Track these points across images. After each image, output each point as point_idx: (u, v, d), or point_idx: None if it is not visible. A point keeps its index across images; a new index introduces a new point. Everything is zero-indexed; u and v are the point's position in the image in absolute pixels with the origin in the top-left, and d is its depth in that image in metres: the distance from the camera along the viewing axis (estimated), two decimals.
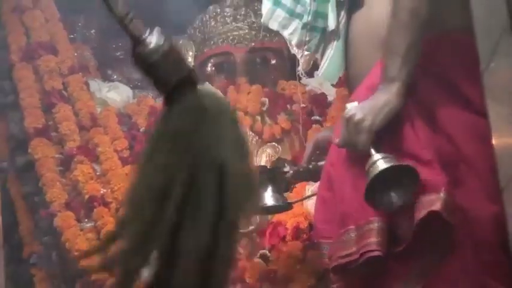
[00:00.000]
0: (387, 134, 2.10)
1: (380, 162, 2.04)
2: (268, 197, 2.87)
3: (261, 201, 2.85)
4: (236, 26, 4.24)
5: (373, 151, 2.07)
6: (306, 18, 2.44)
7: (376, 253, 2.05)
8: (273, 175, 2.89)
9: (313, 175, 2.79)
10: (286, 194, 3.06)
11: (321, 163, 2.70)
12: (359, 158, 2.14)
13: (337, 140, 2.20)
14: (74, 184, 3.58)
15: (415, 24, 2.07)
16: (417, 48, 2.08)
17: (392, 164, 2.04)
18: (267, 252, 3.41)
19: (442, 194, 2.01)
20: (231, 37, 4.22)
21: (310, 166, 2.78)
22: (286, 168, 2.89)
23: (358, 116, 2.08)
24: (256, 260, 3.38)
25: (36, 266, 3.63)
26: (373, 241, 2.05)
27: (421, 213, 2.02)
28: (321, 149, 2.72)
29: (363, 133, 2.07)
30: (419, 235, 2.04)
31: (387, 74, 2.08)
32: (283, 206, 2.95)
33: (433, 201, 2.01)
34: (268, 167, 2.98)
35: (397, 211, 2.07)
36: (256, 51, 4.21)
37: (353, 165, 2.16)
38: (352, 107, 2.13)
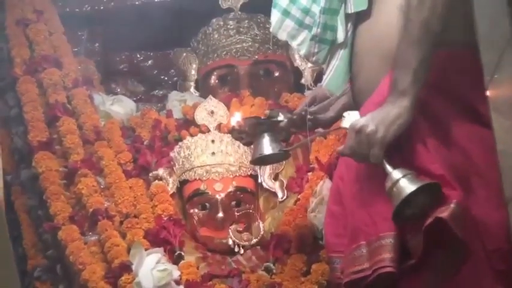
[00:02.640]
0: (399, 150, 2.11)
1: (404, 182, 2.05)
2: (267, 147, 2.92)
3: (258, 152, 2.94)
4: (239, 39, 4.25)
5: (388, 166, 2.08)
6: (315, 30, 2.44)
7: (388, 269, 2.07)
8: (269, 125, 2.94)
9: (306, 123, 2.86)
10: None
11: (312, 109, 2.84)
12: (369, 172, 2.15)
13: (340, 148, 2.20)
14: (78, 197, 3.58)
15: (426, 39, 2.08)
16: (428, 62, 2.09)
17: (418, 184, 2.04)
18: (271, 264, 3.42)
19: (452, 205, 2.03)
20: (234, 50, 4.24)
21: (303, 113, 2.87)
22: (280, 117, 2.94)
23: (371, 128, 2.08)
24: (261, 272, 3.39)
25: (41, 279, 3.62)
26: (386, 257, 2.07)
27: (428, 220, 2.04)
28: (318, 103, 2.83)
29: (376, 146, 2.08)
30: (431, 249, 2.05)
31: (398, 87, 2.09)
32: (280, 155, 2.99)
33: (442, 211, 2.03)
34: (262, 118, 3.04)
35: (410, 225, 2.08)
36: (259, 64, 4.22)
37: (363, 179, 2.17)
38: (361, 118, 2.14)
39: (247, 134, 3.03)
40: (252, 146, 3.11)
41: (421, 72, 2.09)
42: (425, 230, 2.05)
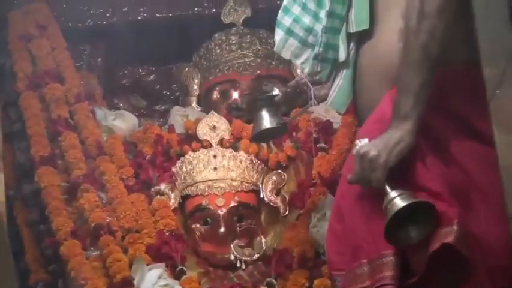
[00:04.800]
0: (398, 169, 2.12)
1: (397, 200, 2.07)
2: (265, 122, 2.99)
3: (257, 128, 3.02)
4: (242, 54, 4.26)
5: (388, 188, 2.09)
6: (317, 49, 2.46)
7: (390, 287, 2.08)
8: (265, 100, 3.00)
9: (300, 96, 2.95)
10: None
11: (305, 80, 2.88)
12: (370, 191, 2.16)
13: (349, 176, 2.22)
14: (80, 212, 3.59)
15: (425, 62, 2.09)
16: (429, 85, 2.10)
17: (410, 201, 2.06)
18: (273, 280, 3.43)
19: (455, 227, 2.04)
20: (236, 65, 4.24)
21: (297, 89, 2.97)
22: (276, 92, 2.98)
23: (373, 153, 2.10)
24: (263, 287, 3.39)
25: None
26: (387, 275, 2.08)
27: (434, 245, 2.05)
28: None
29: (378, 170, 2.09)
30: (432, 266, 2.06)
31: (400, 112, 2.11)
32: (279, 128, 3.04)
33: (447, 234, 2.04)
34: (258, 93, 3.10)
35: (413, 244, 2.09)
36: (261, 79, 4.21)
37: (364, 198, 2.19)
38: (365, 144, 2.15)
39: (245, 111, 3.08)
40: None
41: (422, 96, 2.10)
42: (430, 255, 2.06)
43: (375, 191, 2.14)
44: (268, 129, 3.01)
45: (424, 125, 2.14)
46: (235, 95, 4.12)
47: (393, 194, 2.08)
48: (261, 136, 3.11)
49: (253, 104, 3.05)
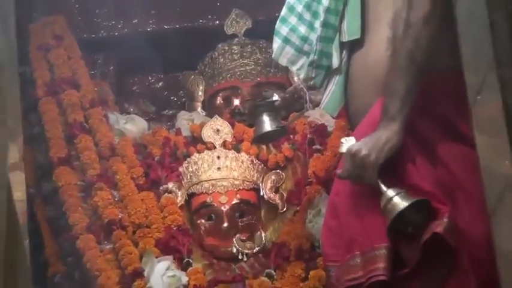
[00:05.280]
0: (391, 169, 2.14)
1: (397, 199, 2.09)
2: (266, 125, 3.04)
3: (258, 131, 3.04)
4: (243, 63, 4.27)
5: (383, 187, 2.11)
6: (312, 56, 2.48)
7: (381, 277, 2.09)
8: (266, 106, 3.05)
9: (298, 101, 2.99)
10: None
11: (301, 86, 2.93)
12: (363, 189, 2.18)
13: (339, 171, 2.24)
14: (94, 209, 3.60)
15: (411, 68, 2.11)
16: (414, 89, 2.12)
17: (410, 200, 2.08)
18: (272, 271, 3.44)
19: (445, 219, 2.06)
20: (238, 72, 4.25)
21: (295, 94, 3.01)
22: (275, 97, 3.01)
23: (364, 152, 2.12)
24: (263, 278, 3.40)
25: (60, 285, 3.63)
26: (379, 266, 2.10)
27: (426, 235, 2.07)
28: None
29: (369, 168, 2.12)
30: (423, 258, 2.08)
31: (388, 114, 2.13)
32: (279, 131, 3.10)
33: (437, 225, 2.06)
34: (259, 99, 3.13)
35: (406, 237, 2.11)
36: (261, 86, 4.22)
37: (357, 195, 2.21)
38: (356, 143, 2.17)
39: (248, 116, 3.11)
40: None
41: (408, 99, 2.12)
42: (423, 244, 2.08)
43: (367, 188, 2.17)
44: (268, 132, 3.04)
45: (413, 128, 2.16)
46: (237, 100, 4.14)
47: (390, 193, 2.10)
48: (262, 138, 3.14)
49: (254, 109, 3.08)
